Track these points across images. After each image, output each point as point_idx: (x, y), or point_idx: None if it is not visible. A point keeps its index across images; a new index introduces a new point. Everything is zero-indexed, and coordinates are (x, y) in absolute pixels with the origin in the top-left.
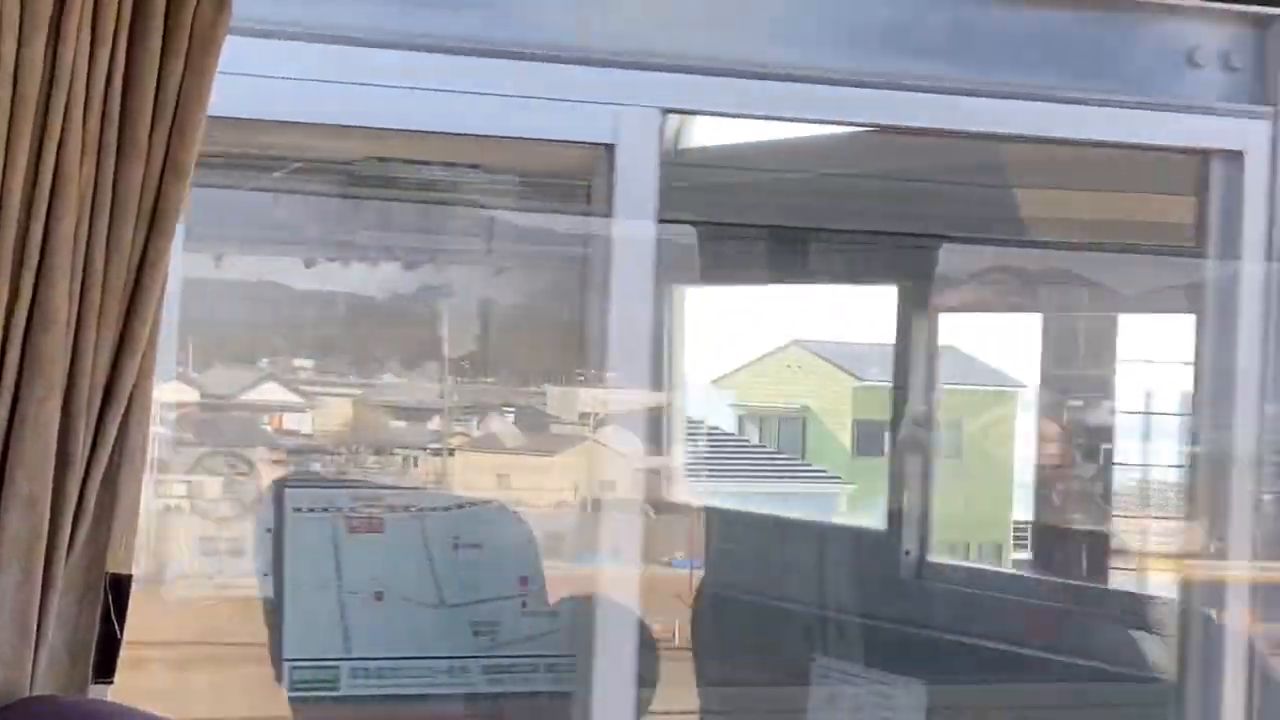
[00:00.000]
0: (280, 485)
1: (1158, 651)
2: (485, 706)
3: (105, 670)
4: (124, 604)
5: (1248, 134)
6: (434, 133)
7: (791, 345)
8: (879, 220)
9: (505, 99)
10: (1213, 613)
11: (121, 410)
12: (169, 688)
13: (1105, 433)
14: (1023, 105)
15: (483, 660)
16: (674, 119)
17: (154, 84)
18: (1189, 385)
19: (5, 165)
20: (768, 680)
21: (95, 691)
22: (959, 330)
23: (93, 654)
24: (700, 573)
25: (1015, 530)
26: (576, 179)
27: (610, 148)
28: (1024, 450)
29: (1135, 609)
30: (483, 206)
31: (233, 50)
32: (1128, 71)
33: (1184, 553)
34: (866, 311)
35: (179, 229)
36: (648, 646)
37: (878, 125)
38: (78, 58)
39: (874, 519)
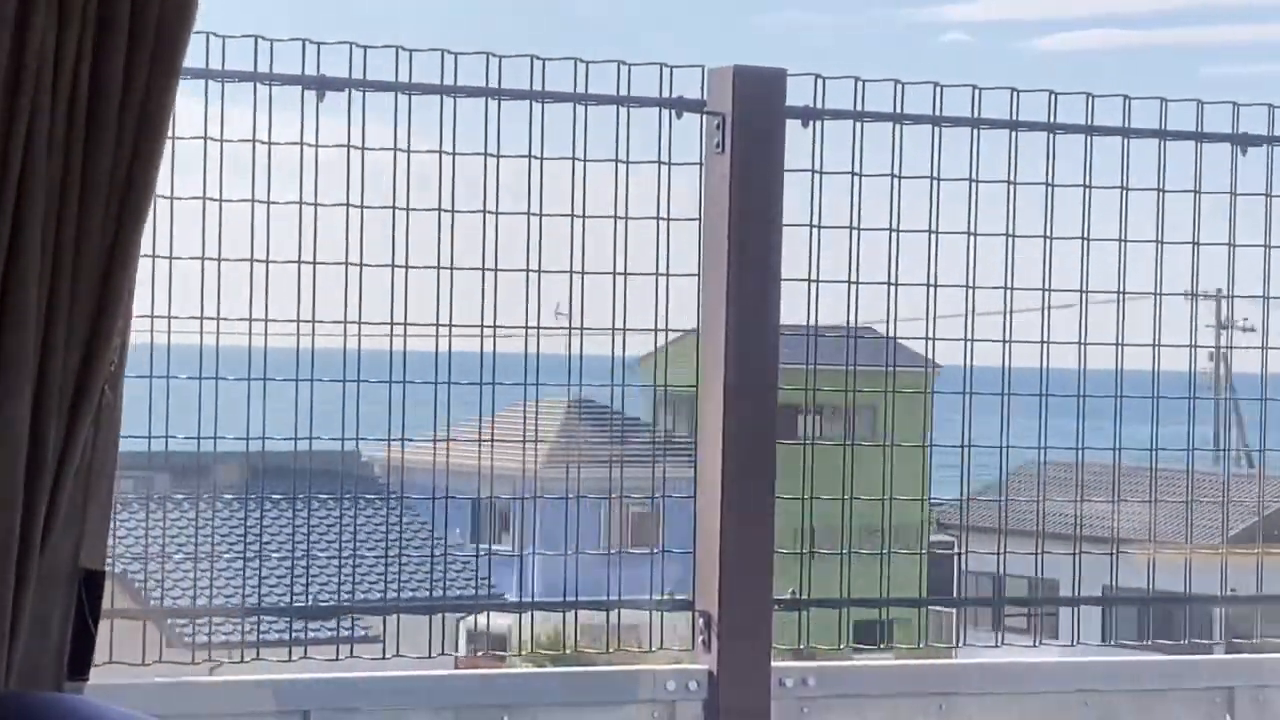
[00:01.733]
0: None
1: None
2: None
3: (79, 667)
4: (98, 601)
5: None
6: None
7: None
8: None
9: None
10: None
11: (94, 406)
12: None
13: None
14: None
15: None
16: None
17: (121, 78)
18: None
19: None
20: None
21: (70, 688)
22: None
23: (67, 651)
24: None
25: None
26: None
27: None
28: None
29: None
30: None
31: None
32: None
33: None
34: None
35: None
36: None
37: None
38: (44, 51)
39: None
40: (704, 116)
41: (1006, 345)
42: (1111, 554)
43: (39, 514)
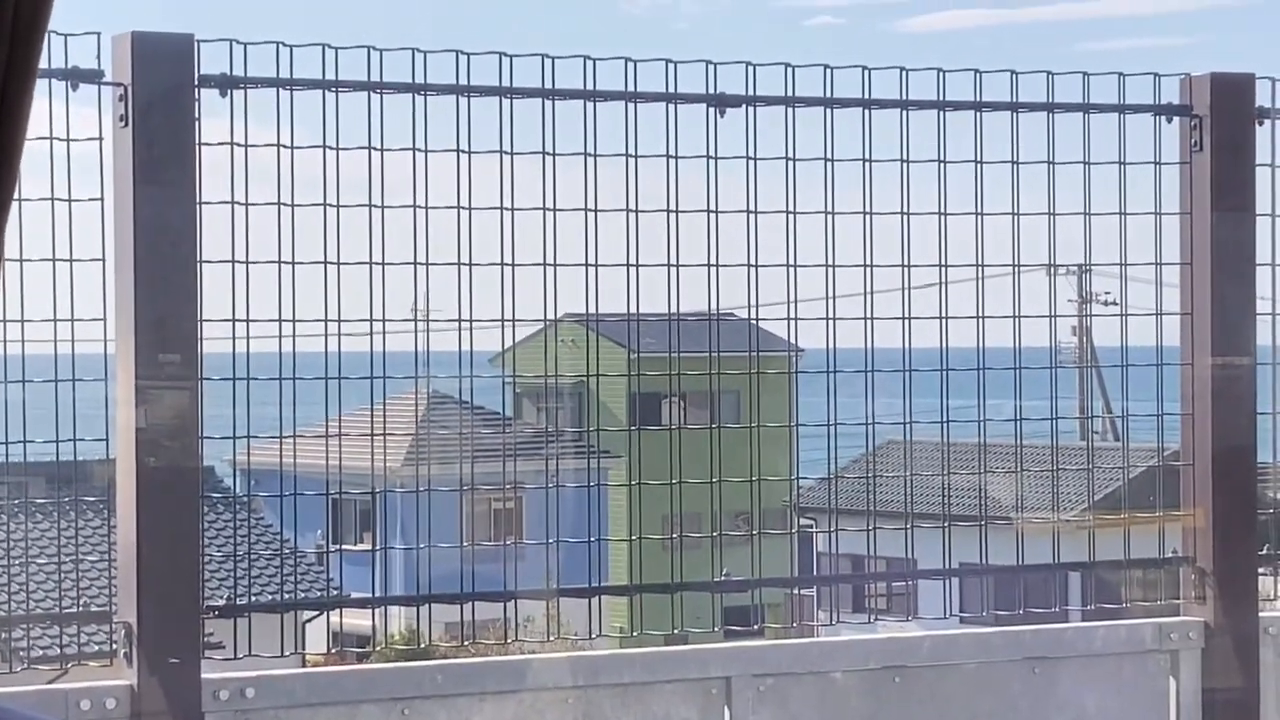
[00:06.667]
0: None
1: None
2: None
3: None
4: None
5: None
6: None
7: None
8: None
9: None
10: None
11: None
12: None
13: None
14: None
15: None
16: None
17: None
18: None
19: None
20: None
21: None
22: None
23: None
24: None
25: None
26: None
27: None
28: None
29: None
30: None
31: None
32: None
33: None
34: None
35: None
36: None
37: None
38: None
39: None
40: (100, 87)
41: (869, 323)
42: (980, 524)
43: None
